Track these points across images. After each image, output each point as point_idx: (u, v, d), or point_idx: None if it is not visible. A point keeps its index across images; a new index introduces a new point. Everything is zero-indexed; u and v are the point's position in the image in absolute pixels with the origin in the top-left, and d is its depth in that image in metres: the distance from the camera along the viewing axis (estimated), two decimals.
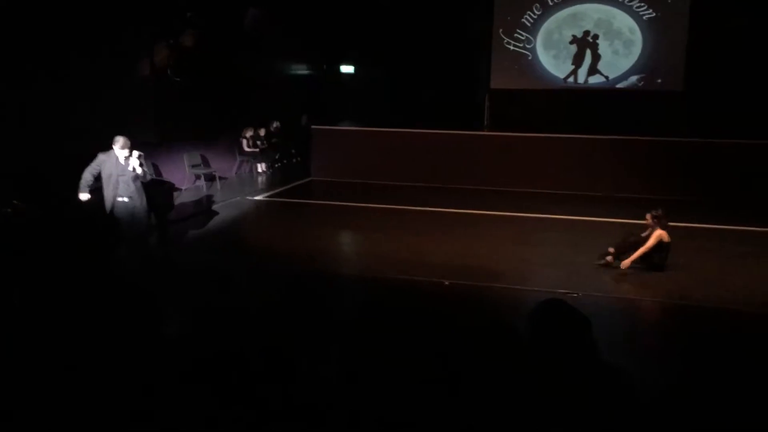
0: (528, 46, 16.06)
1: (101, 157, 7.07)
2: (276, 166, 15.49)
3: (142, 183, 7.27)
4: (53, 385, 3.71)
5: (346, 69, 18.46)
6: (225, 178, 13.66)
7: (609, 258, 7.63)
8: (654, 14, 15.08)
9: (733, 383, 4.92)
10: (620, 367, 2.61)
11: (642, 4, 15.13)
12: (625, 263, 7.53)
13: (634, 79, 15.45)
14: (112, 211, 7.11)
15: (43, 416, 3.47)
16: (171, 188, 9.77)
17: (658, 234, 7.46)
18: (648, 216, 7.61)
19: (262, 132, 15.07)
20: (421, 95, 16.64)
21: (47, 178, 8.38)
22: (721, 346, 5.71)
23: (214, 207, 11.11)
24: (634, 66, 15.40)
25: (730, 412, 4.48)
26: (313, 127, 14.66)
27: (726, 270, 7.75)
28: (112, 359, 3.37)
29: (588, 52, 15.73)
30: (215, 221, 10.22)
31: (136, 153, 7.04)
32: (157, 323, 3.76)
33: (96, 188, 7.19)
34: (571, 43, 15.79)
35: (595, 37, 15.58)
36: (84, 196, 7.14)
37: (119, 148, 7.02)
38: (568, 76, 15.91)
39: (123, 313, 3.86)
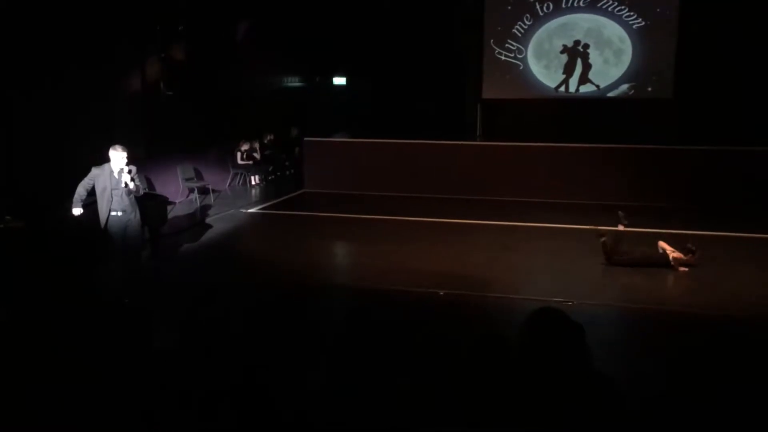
0: (519, 56, 16.13)
1: (95, 171, 7.04)
2: (269, 178, 15.50)
3: (136, 197, 7.25)
4: (42, 396, 3.69)
5: (338, 81, 18.52)
6: (218, 191, 13.66)
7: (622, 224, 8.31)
8: (643, 23, 15.19)
9: (728, 389, 4.93)
10: (611, 377, 2.62)
11: (631, 13, 15.24)
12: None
13: (624, 87, 15.53)
14: (106, 225, 7.08)
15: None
16: (164, 202, 9.75)
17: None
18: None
19: (256, 145, 15.08)
20: (412, 106, 16.68)
21: (37, 193, 8.35)
22: (716, 352, 5.73)
23: (208, 220, 11.10)
24: (624, 74, 15.48)
25: (724, 418, 4.49)
26: (305, 138, 14.68)
27: (718, 276, 7.79)
28: (101, 375, 3.35)
29: (579, 62, 15.81)
30: (209, 234, 10.20)
31: (126, 168, 7.02)
32: (145, 339, 3.74)
33: (89, 203, 7.18)
34: (561, 52, 15.87)
35: (586, 46, 15.67)
36: (77, 211, 7.12)
37: (116, 155, 6.99)
38: (559, 86, 15.98)
39: (111, 329, 3.83)
